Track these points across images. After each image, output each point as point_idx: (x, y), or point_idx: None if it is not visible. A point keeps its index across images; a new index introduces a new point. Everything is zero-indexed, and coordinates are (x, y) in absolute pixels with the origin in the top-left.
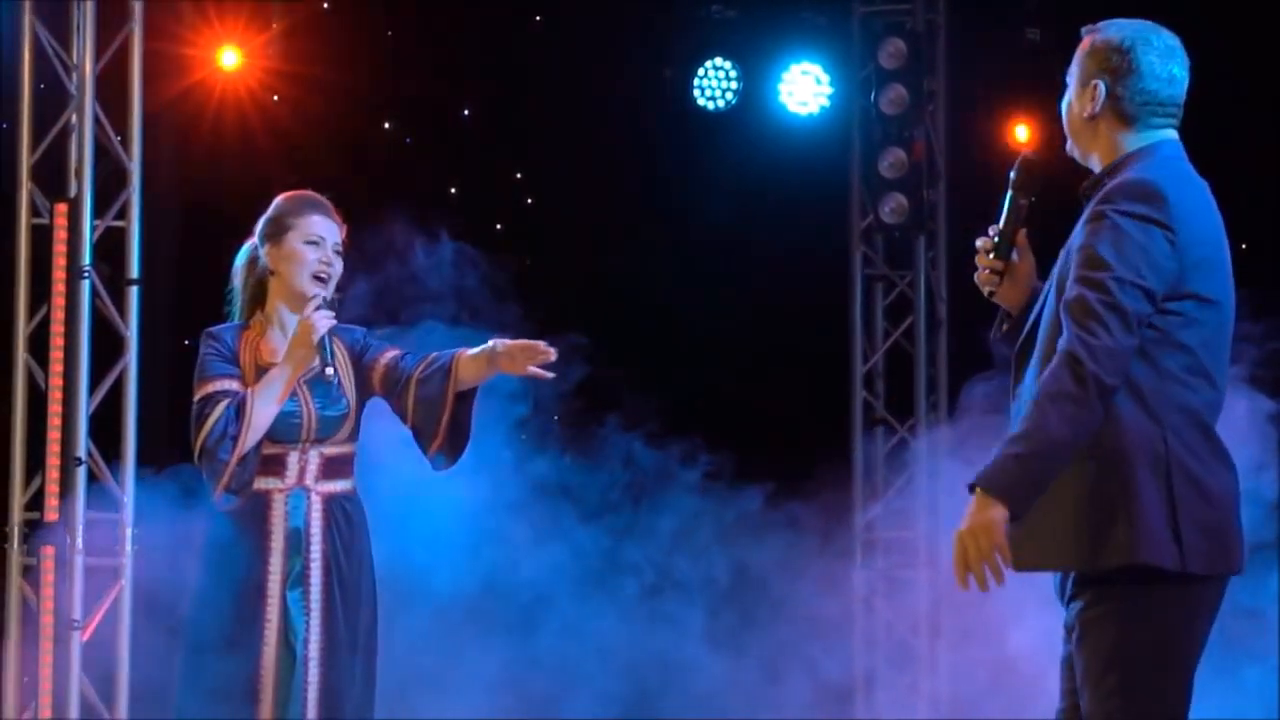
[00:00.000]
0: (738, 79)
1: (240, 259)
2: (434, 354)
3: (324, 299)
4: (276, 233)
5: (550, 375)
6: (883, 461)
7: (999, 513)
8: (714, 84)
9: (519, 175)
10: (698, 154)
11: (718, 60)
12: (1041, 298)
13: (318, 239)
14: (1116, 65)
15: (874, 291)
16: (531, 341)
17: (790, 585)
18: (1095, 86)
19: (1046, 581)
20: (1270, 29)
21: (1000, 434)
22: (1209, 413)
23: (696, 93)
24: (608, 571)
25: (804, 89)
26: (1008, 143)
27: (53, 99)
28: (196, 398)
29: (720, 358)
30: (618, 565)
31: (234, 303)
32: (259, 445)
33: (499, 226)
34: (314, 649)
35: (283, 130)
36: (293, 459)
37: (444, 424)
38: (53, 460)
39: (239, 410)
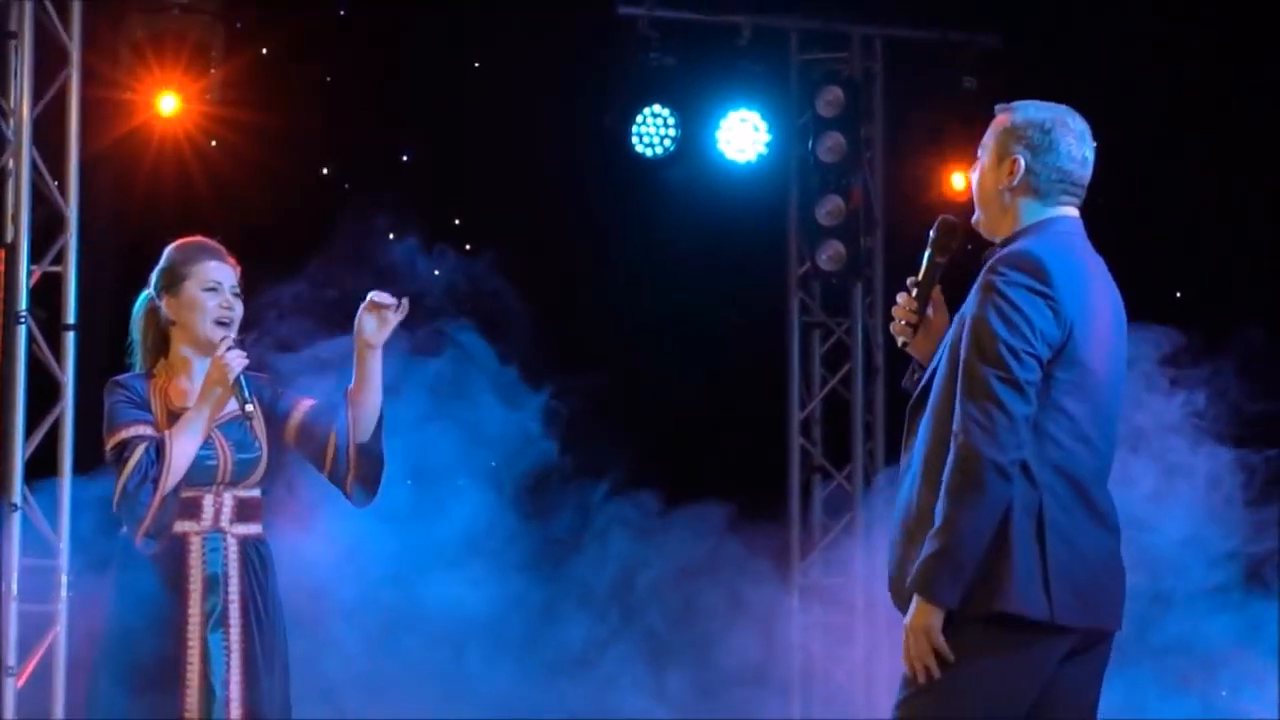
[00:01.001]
0: (676, 126)
1: (138, 310)
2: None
3: (233, 340)
4: (173, 283)
5: (394, 302)
6: (820, 508)
7: (934, 617)
8: (652, 131)
9: (457, 221)
10: (636, 200)
11: (656, 107)
12: (935, 358)
13: (215, 284)
14: (1038, 143)
15: (811, 339)
16: (374, 300)
17: (727, 631)
18: (1015, 160)
19: None
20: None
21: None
22: (1089, 475)
23: (635, 139)
24: (546, 618)
25: (742, 136)
26: (945, 190)
27: None
28: (111, 445)
29: (657, 405)
30: (556, 613)
31: (135, 353)
32: (177, 489)
33: (436, 272)
34: (235, 689)
35: (221, 176)
36: (208, 502)
37: (367, 466)
38: None
39: (158, 453)
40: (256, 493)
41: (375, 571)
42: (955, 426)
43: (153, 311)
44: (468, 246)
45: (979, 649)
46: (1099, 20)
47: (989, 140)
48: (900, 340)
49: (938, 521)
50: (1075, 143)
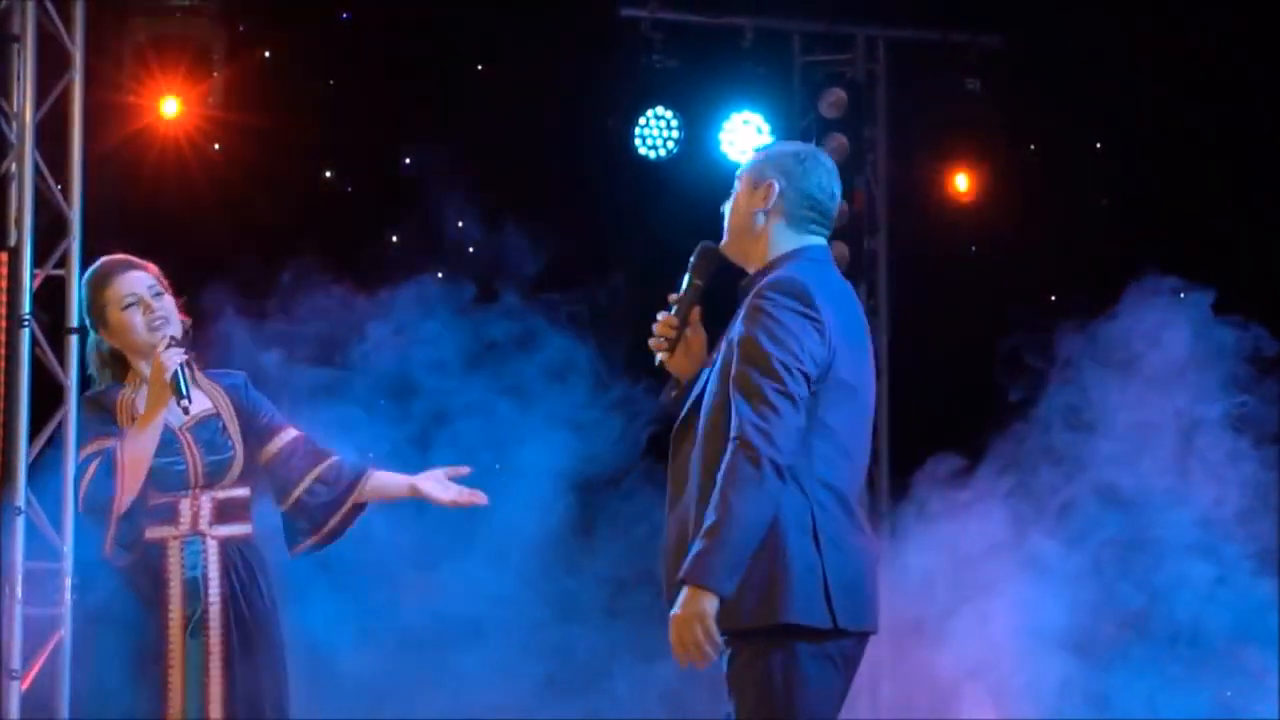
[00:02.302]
0: (679, 128)
1: (89, 352)
2: (336, 459)
3: (173, 338)
4: (97, 316)
5: (482, 500)
6: None
7: (707, 603)
8: (655, 133)
9: (460, 224)
10: (638, 203)
11: (659, 110)
12: (702, 382)
13: (131, 298)
14: (792, 170)
15: None
16: (462, 490)
17: None
18: (770, 184)
19: (993, 651)
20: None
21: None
22: (851, 488)
23: (637, 142)
24: (553, 621)
25: (745, 138)
26: (948, 191)
27: None
28: (78, 463)
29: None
30: (569, 612)
31: (99, 382)
32: (145, 496)
33: (439, 275)
34: (215, 691)
35: (223, 179)
36: (184, 505)
37: (328, 529)
38: None
39: (111, 461)
40: (239, 492)
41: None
42: (732, 433)
43: (98, 344)
44: (470, 250)
45: (787, 669)
46: (1101, 21)
47: (743, 170)
48: (658, 357)
49: (711, 518)
50: (826, 176)
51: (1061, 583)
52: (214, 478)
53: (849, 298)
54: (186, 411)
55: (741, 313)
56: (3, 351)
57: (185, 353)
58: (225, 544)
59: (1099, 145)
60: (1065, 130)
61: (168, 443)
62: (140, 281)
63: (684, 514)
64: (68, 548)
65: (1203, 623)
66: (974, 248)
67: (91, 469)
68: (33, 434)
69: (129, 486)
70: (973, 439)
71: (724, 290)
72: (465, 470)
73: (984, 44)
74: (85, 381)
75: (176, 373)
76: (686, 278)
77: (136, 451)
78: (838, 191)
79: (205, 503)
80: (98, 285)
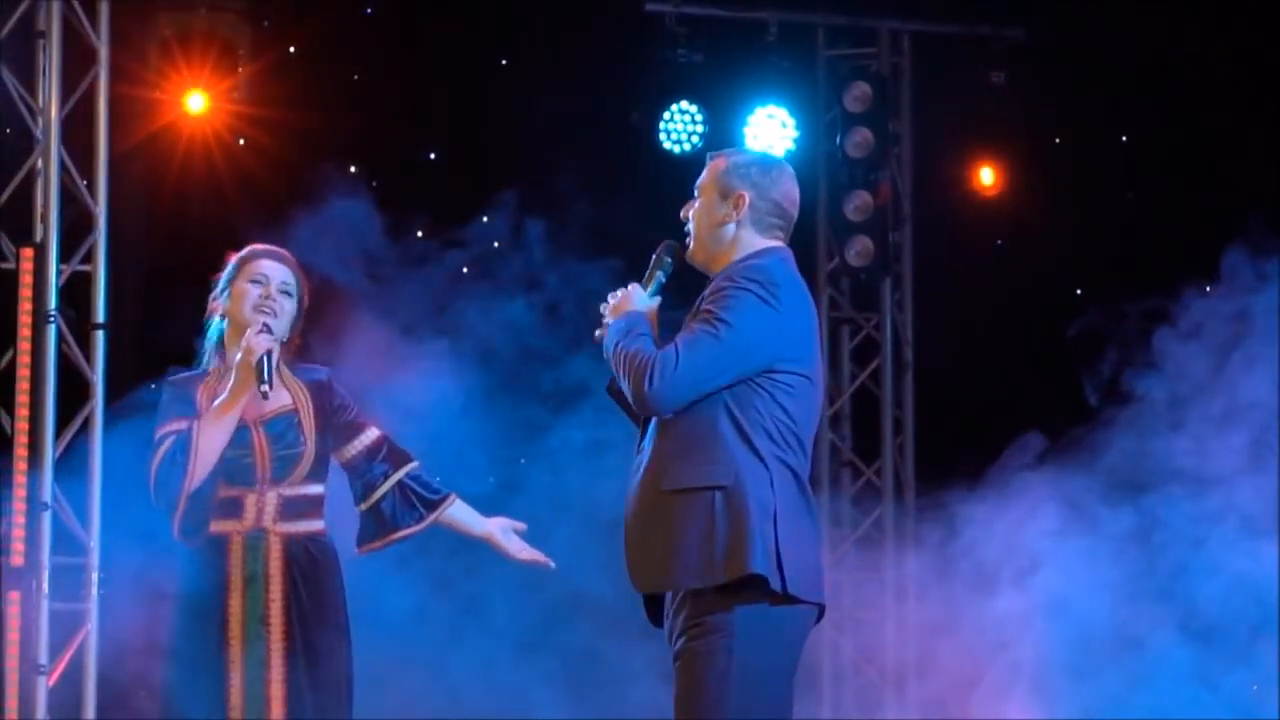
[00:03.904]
0: (703, 122)
1: (210, 336)
2: (417, 466)
3: (266, 326)
4: (229, 282)
5: (550, 564)
6: (849, 503)
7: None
8: (680, 127)
9: (485, 218)
10: (663, 197)
11: (683, 104)
12: None
13: (262, 278)
14: (759, 181)
15: (840, 334)
16: (533, 551)
17: None
18: (741, 196)
19: (1007, 627)
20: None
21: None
22: (803, 472)
23: (662, 136)
24: (559, 615)
25: (769, 132)
26: (973, 185)
27: (18, 144)
28: (153, 442)
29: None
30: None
31: (197, 365)
32: (214, 487)
33: (464, 270)
34: (276, 689)
35: (249, 173)
36: (250, 500)
37: (399, 537)
38: (18, 505)
39: (187, 442)
40: (310, 489)
41: None
42: (668, 348)
43: (219, 328)
44: (495, 244)
45: (738, 632)
46: (1125, 13)
47: (707, 181)
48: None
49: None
50: (791, 184)
51: (1109, 568)
52: (282, 474)
53: (809, 298)
54: (266, 397)
55: (704, 296)
56: (29, 347)
57: (273, 341)
58: (289, 540)
59: (1124, 138)
60: (1090, 123)
61: (240, 435)
62: (281, 273)
63: (638, 490)
64: (94, 543)
65: None
66: (999, 241)
67: (164, 449)
68: (59, 430)
69: (200, 471)
70: (996, 432)
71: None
72: (523, 526)
73: (1008, 37)
74: (111, 377)
75: (262, 358)
76: (650, 270)
77: (213, 431)
78: (798, 198)
79: (271, 498)
80: (246, 258)
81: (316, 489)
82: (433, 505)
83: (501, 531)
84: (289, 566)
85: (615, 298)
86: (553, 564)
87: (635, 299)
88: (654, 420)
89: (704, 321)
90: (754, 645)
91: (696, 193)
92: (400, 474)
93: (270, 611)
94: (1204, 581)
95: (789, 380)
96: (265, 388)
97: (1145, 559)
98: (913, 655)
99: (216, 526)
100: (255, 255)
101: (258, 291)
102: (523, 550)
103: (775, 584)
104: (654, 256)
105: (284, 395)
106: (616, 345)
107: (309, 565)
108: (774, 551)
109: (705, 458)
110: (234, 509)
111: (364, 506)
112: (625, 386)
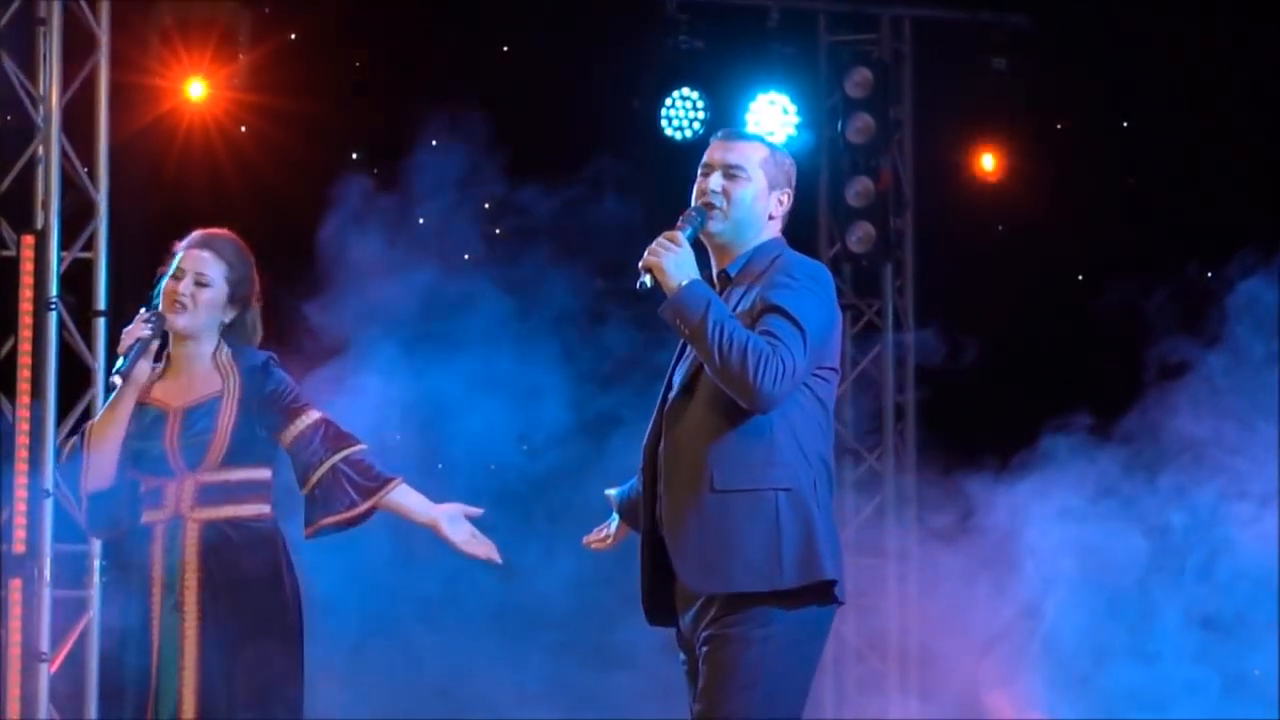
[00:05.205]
0: (705, 109)
1: None
2: (361, 449)
3: (156, 312)
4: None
5: (498, 560)
6: (851, 490)
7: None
8: (681, 114)
9: (486, 205)
10: (665, 184)
11: (685, 90)
12: (694, 357)
13: (179, 271)
14: (794, 182)
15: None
16: (480, 539)
17: None
18: (786, 195)
19: (1010, 612)
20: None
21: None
22: (832, 465)
23: (664, 123)
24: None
25: (771, 118)
26: (974, 171)
27: (19, 131)
28: None
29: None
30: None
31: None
32: (131, 482)
33: (466, 257)
34: (188, 676)
35: (249, 161)
36: (170, 489)
37: (341, 520)
38: (20, 493)
39: (82, 439)
40: (233, 475)
41: None
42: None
43: None
44: (497, 231)
45: (790, 634)
46: (1128, 1)
47: (757, 166)
48: (644, 279)
49: (731, 340)
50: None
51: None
52: (192, 461)
53: None
54: (110, 386)
55: (767, 282)
56: (30, 334)
57: (148, 324)
58: (206, 526)
59: (1126, 124)
60: (1092, 109)
61: (155, 424)
62: (200, 262)
63: (683, 488)
64: None
65: None
66: (1000, 227)
67: (68, 448)
68: (60, 416)
69: (93, 470)
70: (998, 417)
71: None
72: (478, 511)
73: (1010, 23)
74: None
75: (133, 348)
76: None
77: (102, 427)
78: None
79: (189, 486)
80: (178, 249)
81: (241, 474)
82: (370, 491)
83: (448, 520)
84: (205, 553)
85: (669, 249)
86: (499, 559)
87: (688, 258)
88: (701, 389)
89: (788, 320)
90: (794, 641)
91: (742, 171)
92: (336, 458)
93: (185, 600)
94: (1209, 567)
95: (824, 374)
96: (115, 378)
97: (1151, 543)
98: (915, 642)
99: (146, 517)
100: (185, 245)
101: (171, 287)
102: (469, 542)
103: (840, 591)
104: (684, 215)
105: (214, 381)
106: (715, 321)
107: (228, 550)
108: (840, 557)
109: (764, 459)
110: (156, 499)
111: (304, 491)
112: (721, 363)
